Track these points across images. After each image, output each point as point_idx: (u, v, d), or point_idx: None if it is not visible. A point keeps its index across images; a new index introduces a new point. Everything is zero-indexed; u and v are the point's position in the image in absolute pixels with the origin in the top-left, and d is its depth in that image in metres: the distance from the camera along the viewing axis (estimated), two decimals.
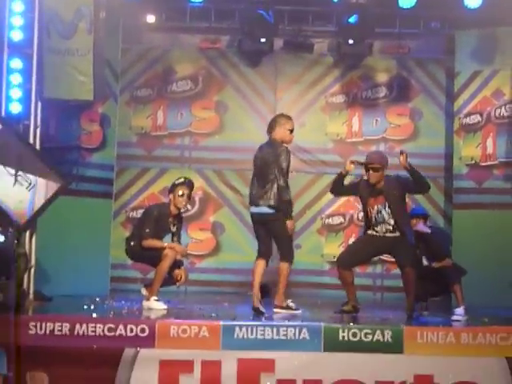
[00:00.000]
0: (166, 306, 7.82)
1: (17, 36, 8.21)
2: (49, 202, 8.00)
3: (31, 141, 8.22)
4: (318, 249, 10.66)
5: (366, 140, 10.70)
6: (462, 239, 9.86)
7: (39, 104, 8.30)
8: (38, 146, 8.27)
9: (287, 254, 7.68)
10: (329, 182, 10.34)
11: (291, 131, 7.75)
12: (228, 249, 10.63)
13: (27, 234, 8.19)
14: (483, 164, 10.04)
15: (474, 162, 10.07)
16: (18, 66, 8.23)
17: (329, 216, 10.69)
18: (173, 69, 10.79)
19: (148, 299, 7.87)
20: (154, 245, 7.90)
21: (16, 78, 8.20)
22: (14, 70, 8.19)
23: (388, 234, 7.76)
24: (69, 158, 9.48)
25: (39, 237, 8.32)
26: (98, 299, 8.31)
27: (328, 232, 10.68)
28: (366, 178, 7.81)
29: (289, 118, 7.85)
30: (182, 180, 8.20)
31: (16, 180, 7.85)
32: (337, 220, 10.70)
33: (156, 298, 7.84)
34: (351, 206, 10.51)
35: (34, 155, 7.98)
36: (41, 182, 7.98)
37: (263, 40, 10.07)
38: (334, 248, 10.46)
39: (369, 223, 7.85)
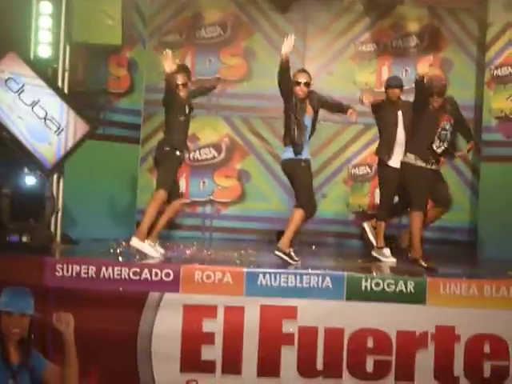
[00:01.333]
0: (162, 252, 7.82)
1: None
2: (76, 146, 8.09)
3: (59, 84, 8.24)
4: (343, 198, 10.65)
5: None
6: (490, 192, 9.80)
7: (67, 48, 8.30)
8: (66, 90, 8.30)
9: (303, 202, 7.61)
10: (356, 132, 10.43)
11: (298, 83, 7.61)
12: (253, 197, 10.66)
13: (55, 177, 8.27)
14: None
15: (503, 114, 9.95)
16: (48, 9, 8.18)
17: (355, 166, 10.65)
18: (201, 14, 10.71)
19: (140, 239, 7.70)
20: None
21: (45, 21, 8.17)
22: (43, 13, 8.16)
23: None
24: (96, 103, 9.50)
25: (66, 180, 8.41)
26: (124, 243, 8.40)
27: (354, 182, 10.66)
28: None
29: (300, 70, 7.80)
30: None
31: (45, 123, 7.92)
32: (363, 170, 10.67)
33: (150, 242, 7.74)
34: None
35: (63, 99, 8.02)
36: (69, 125, 8.05)
37: None
38: (360, 198, 10.46)
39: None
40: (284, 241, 7.62)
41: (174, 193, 8.00)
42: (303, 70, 7.84)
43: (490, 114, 10.03)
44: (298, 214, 7.56)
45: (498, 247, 8.38)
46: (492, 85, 10.05)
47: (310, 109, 7.68)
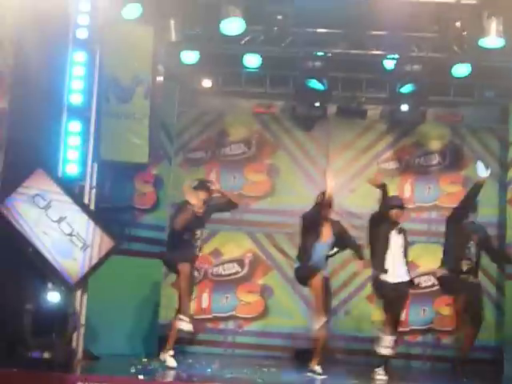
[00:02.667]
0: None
1: (76, 99, 8.36)
2: (101, 262, 8.11)
3: (86, 201, 8.37)
4: (366, 315, 10.51)
5: (418, 207, 10.66)
6: None
7: (95, 165, 8.46)
8: (92, 207, 8.42)
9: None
10: None
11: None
12: (276, 312, 10.59)
13: (78, 292, 8.29)
14: None
15: None
16: (77, 128, 8.37)
17: None
18: (226, 132, 10.97)
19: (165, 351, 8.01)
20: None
21: (74, 140, 8.33)
22: (72, 132, 8.33)
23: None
24: (122, 219, 9.61)
25: (90, 295, 8.41)
26: (145, 360, 8.33)
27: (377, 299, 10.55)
28: None
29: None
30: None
31: (70, 239, 8.00)
32: None
33: (172, 353, 7.99)
34: None
35: (89, 216, 8.12)
36: (94, 242, 8.11)
37: (317, 105, 10.19)
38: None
39: None
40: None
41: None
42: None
43: None
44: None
45: None
46: None
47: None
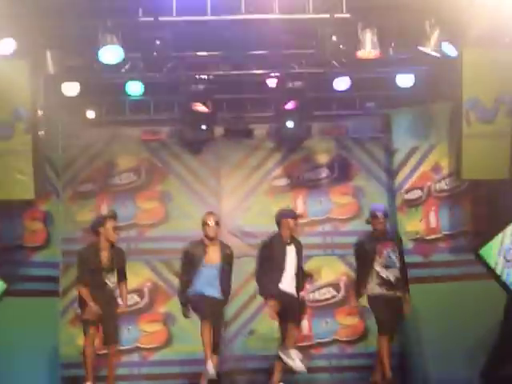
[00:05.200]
0: None
1: None
2: None
3: None
4: (271, 333, 10.52)
5: (312, 221, 10.77)
6: (415, 313, 9.87)
7: None
8: None
9: None
10: None
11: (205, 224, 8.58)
12: (181, 340, 10.46)
13: None
14: (428, 238, 10.17)
15: (418, 236, 10.18)
16: None
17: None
18: (115, 162, 10.82)
19: None
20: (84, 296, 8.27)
21: None
22: None
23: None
24: (12, 258, 9.33)
25: None
26: None
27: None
28: None
29: (207, 214, 8.70)
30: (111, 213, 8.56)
31: None
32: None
33: None
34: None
35: None
36: None
37: (203, 128, 10.18)
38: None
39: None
40: None
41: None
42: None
43: (406, 236, 10.19)
44: None
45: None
46: (404, 208, 10.33)
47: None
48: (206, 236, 8.51)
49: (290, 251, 8.48)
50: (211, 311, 8.32)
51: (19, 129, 8.26)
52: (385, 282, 8.34)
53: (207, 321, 8.22)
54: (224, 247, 8.65)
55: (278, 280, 8.32)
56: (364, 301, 10.06)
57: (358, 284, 8.90)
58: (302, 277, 8.62)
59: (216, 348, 8.44)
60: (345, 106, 10.64)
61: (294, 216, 8.63)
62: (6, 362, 8.73)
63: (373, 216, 8.80)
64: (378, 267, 8.44)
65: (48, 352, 9.51)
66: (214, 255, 8.51)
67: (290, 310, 8.35)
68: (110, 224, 8.34)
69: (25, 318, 9.13)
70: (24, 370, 8.95)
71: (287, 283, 8.42)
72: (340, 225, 10.80)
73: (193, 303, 8.47)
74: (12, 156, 8.25)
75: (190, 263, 8.50)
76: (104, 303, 8.33)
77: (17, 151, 8.22)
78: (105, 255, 8.38)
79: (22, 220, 9.61)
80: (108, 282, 8.44)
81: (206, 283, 8.38)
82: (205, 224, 8.53)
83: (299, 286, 8.57)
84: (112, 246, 8.48)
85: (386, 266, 8.38)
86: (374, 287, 8.48)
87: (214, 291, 8.45)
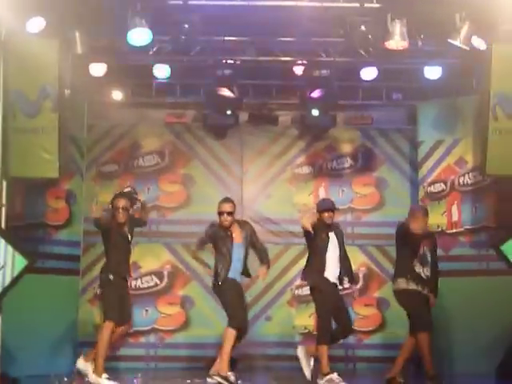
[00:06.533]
0: None
1: None
2: (14, 282, 7.92)
3: None
4: (288, 320, 10.59)
5: None
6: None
7: (4, 183, 8.26)
8: (3, 225, 8.20)
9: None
10: (297, 253, 10.44)
11: (220, 213, 8.28)
12: (198, 323, 10.52)
13: None
14: (449, 231, 10.13)
15: (440, 229, 10.13)
16: None
17: (298, 287, 10.62)
18: (139, 144, 10.86)
19: (97, 375, 7.80)
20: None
21: None
22: None
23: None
24: (35, 236, 9.40)
25: (5, 316, 8.18)
26: (65, 379, 8.16)
27: (298, 303, 10.62)
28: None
29: (222, 200, 8.41)
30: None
31: None
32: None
33: (107, 375, 7.83)
34: None
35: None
36: (7, 261, 7.91)
37: (228, 113, 10.19)
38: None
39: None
40: (221, 364, 7.74)
41: (122, 318, 8.03)
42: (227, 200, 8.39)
43: None
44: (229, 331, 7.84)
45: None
46: (426, 201, 10.29)
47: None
48: (221, 225, 8.32)
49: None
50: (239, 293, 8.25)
51: (46, 107, 8.27)
52: (419, 278, 8.14)
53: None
54: (243, 225, 8.51)
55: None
56: (382, 292, 10.14)
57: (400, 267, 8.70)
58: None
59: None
60: (371, 96, 10.62)
61: (333, 207, 8.45)
62: (25, 338, 8.78)
63: (412, 215, 8.56)
64: (414, 262, 8.23)
65: (67, 329, 9.61)
66: (236, 236, 8.41)
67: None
68: (120, 203, 8.16)
69: (46, 295, 9.21)
70: (43, 347, 9.04)
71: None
72: (361, 215, 10.79)
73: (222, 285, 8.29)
74: (38, 134, 8.27)
75: (214, 237, 8.36)
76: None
77: (42, 129, 8.24)
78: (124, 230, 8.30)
79: (46, 198, 9.66)
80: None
81: (234, 269, 8.25)
82: (220, 214, 8.32)
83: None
84: (130, 220, 8.39)
85: (422, 263, 8.22)
86: (408, 282, 8.25)
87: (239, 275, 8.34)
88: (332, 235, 8.27)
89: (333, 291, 8.16)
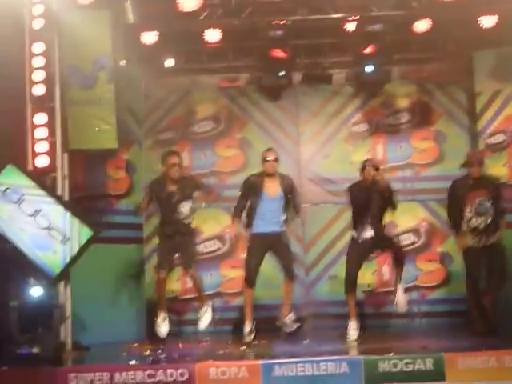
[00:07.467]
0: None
1: (39, 91, 8.31)
2: (81, 252, 8.10)
3: (59, 192, 8.30)
4: None
5: (392, 166, 10.63)
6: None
7: (65, 156, 8.40)
8: (66, 197, 8.35)
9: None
10: None
11: (264, 160, 8.58)
12: (260, 285, 10.56)
13: (62, 284, 8.25)
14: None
15: (502, 181, 9.94)
16: (42, 120, 8.31)
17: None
18: (194, 110, 10.88)
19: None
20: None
21: (41, 132, 8.29)
22: (38, 124, 8.29)
23: None
24: (98, 206, 9.54)
25: (74, 286, 8.37)
26: (135, 345, 8.31)
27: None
28: None
29: (266, 150, 8.73)
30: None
31: (49, 233, 7.94)
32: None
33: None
34: None
35: (64, 207, 8.07)
36: (73, 232, 8.07)
37: (282, 74, 10.14)
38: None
39: None
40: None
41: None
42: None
43: None
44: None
45: None
46: (487, 153, 10.10)
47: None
48: (266, 172, 8.57)
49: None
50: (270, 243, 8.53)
51: (101, 79, 8.36)
52: (474, 230, 8.12)
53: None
54: (283, 178, 8.69)
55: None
56: (445, 246, 10.07)
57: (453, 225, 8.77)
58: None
59: (293, 275, 8.72)
60: (425, 49, 10.42)
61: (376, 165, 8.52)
62: (95, 307, 8.94)
63: (469, 162, 8.56)
64: (468, 214, 8.21)
65: (135, 296, 9.78)
66: (273, 188, 8.55)
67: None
68: (171, 160, 8.41)
69: (112, 263, 9.35)
70: (113, 315, 9.18)
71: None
72: (420, 170, 10.67)
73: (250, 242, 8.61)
74: (95, 106, 8.38)
75: (250, 190, 8.61)
76: (177, 231, 8.50)
77: (100, 101, 8.34)
78: (172, 188, 8.45)
79: (106, 169, 9.76)
80: (181, 210, 8.52)
81: (265, 221, 8.48)
82: (264, 160, 8.57)
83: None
84: (183, 178, 8.55)
85: (478, 214, 8.17)
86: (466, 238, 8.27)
87: (274, 227, 8.53)
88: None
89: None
